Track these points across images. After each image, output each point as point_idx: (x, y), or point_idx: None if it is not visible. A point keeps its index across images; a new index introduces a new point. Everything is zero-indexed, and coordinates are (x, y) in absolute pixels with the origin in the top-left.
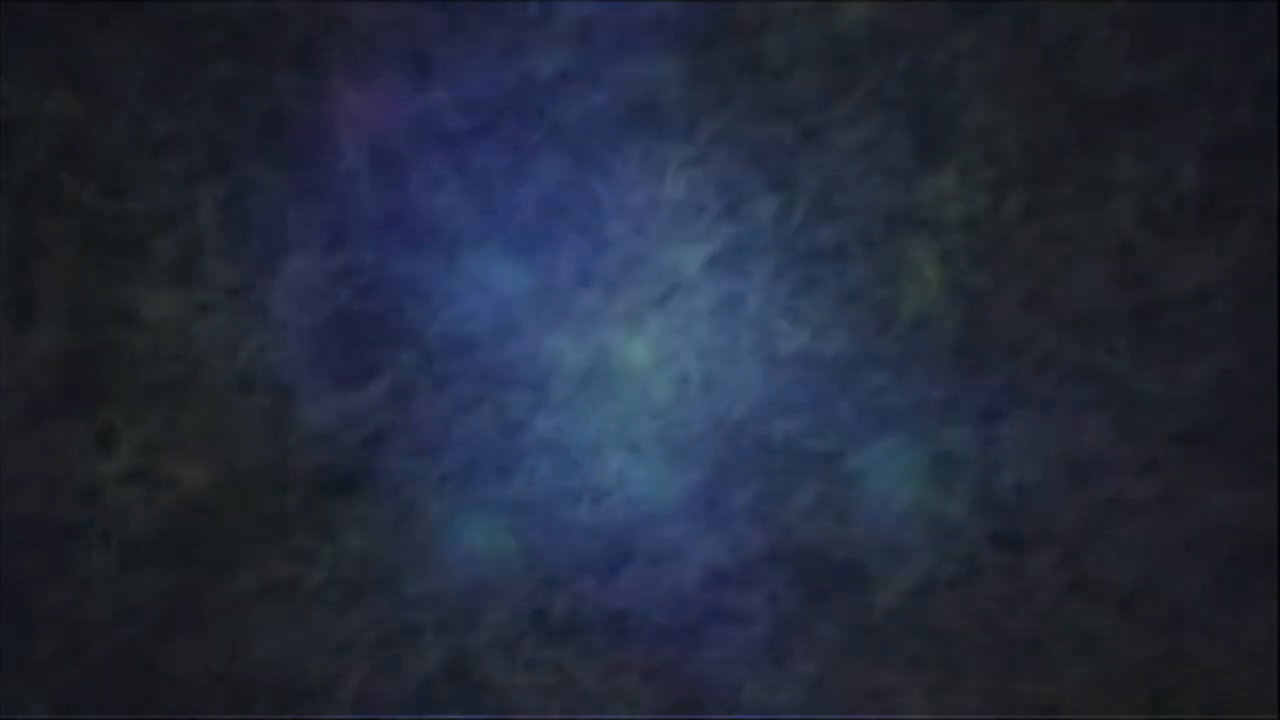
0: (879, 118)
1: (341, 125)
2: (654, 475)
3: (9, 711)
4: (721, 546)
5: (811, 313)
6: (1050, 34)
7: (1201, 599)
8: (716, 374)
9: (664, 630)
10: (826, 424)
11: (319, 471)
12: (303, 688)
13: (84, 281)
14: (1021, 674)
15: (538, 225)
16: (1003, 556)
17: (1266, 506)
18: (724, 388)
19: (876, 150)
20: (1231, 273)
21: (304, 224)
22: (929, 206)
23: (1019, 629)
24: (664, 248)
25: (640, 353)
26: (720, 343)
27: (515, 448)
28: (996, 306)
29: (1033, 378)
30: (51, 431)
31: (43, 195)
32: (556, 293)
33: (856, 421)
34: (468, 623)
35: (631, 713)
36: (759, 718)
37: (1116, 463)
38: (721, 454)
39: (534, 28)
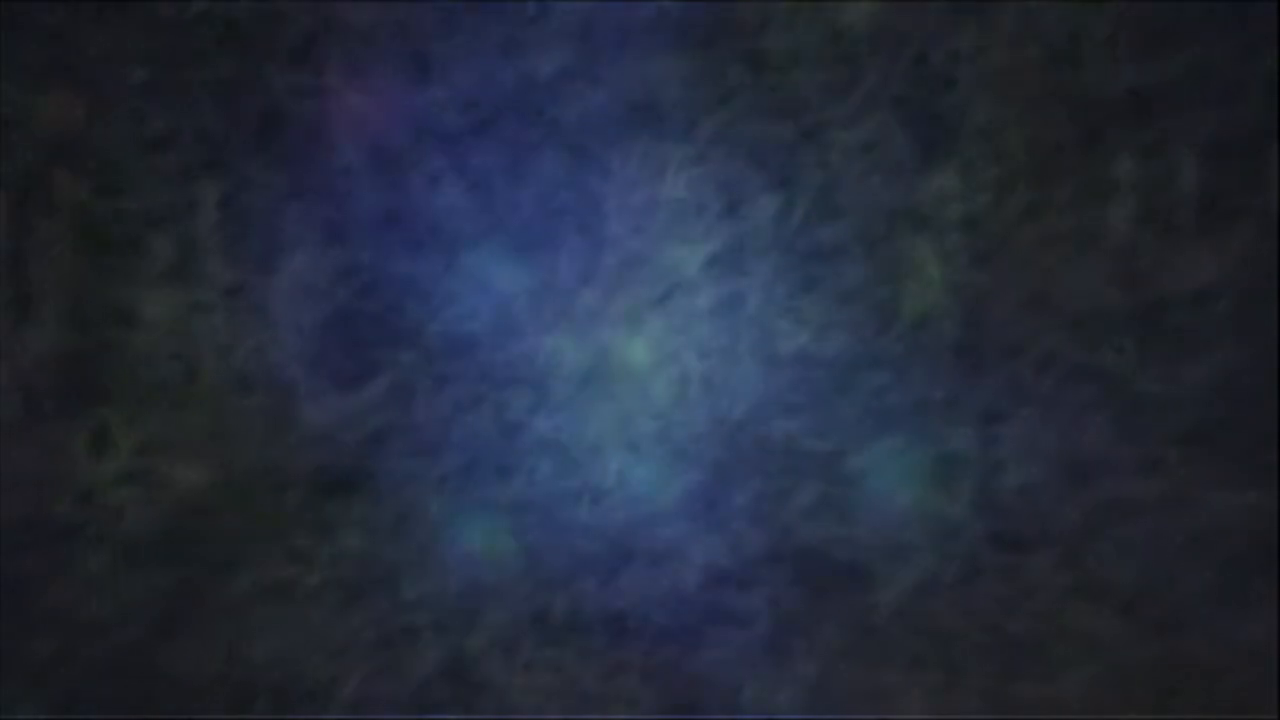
0: (879, 117)
1: (340, 124)
2: (654, 475)
3: (7, 711)
4: (722, 547)
5: (812, 312)
6: (1051, 34)
7: (1203, 599)
8: (716, 374)
9: (664, 631)
10: (827, 424)
11: (318, 472)
12: (301, 689)
13: (81, 281)
14: (1022, 674)
15: (537, 225)
16: (1003, 557)
17: (1268, 507)
18: (724, 388)
19: (877, 150)
20: (1232, 273)
21: (302, 223)
22: (930, 206)
23: (1020, 629)
24: (664, 247)
25: (640, 353)
26: (720, 343)
27: (515, 448)
28: (997, 306)
29: (1033, 378)
30: (49, 431)
31: (39, 194)
32: (556, 293)
33: (857, 422)
34: (467, 623)
35: (631, 713)
36: (759, 718)
37: (1117, 463)
38: (721, 454)
39: (533, 27)
